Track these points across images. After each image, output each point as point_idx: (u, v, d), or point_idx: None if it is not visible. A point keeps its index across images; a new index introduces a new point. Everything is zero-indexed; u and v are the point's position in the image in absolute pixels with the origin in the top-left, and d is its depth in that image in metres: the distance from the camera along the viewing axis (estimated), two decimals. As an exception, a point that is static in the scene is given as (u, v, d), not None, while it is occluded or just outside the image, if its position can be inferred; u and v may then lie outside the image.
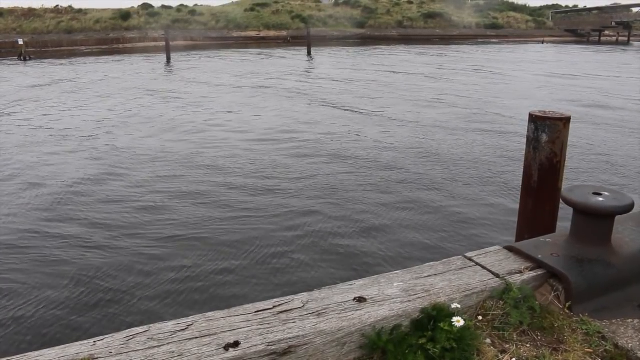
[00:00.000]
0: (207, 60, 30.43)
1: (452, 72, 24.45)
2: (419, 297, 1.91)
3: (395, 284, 2.00)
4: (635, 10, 61.54)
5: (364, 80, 21.21)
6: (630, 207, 2.34)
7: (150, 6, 49.46)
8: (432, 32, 53.26)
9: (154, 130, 11.69)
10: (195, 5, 52.67)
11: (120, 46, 41.10)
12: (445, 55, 34.64)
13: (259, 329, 1.64)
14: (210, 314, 1.72)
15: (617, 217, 2.44)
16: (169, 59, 28.85)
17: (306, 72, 24.53)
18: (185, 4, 51.88)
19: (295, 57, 32.75)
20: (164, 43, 31.04)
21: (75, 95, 17.04)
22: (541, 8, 69.47)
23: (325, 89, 18.57)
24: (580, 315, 2.09)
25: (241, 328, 1.64)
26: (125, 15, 46.00)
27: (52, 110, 14.46)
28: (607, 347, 1.91)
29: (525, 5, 68.25)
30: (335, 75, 22.63)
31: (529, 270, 2.21)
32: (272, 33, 47.74)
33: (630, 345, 1.94)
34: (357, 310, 1.79)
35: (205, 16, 48.57)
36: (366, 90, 18.18)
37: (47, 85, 19.74)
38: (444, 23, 55.80)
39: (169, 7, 50.17)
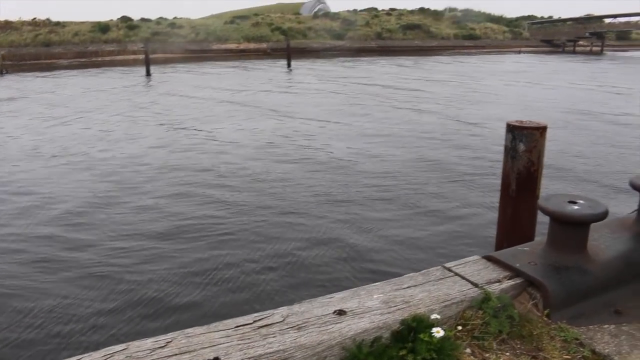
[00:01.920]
0: (186, 73, 30.34)
1: (434, 82, 24.71)
2: (398, 309, 1.91)
3: (375, 296, 2.00)
4: (607, 21, 62.96)
5: (346, 92, 21.35)
6: (605, 214, 2.39)
7: (130, 19, 49.29)
8: (411, 43, 53.86)
9: (133, 147, 11.59)
10: (175, 18, 52.71)
11: (99, 59, 40.78)
12: (425, 67, 35.01)
13: (239, 344, 1.63)
14: (189, 330, 1.70)
15: (593, 225, 2.48)
16: (148, 72, 28.69)
17: (287, 84, 24.58)
18: (164, 17, 51.95)
19: (275, 69, 32.82)
20: (143, 56, 30.87)
21: (51, 110, 16.79)
22: (517, 19, 70.76)
23: (306, 102, 18.65)
24: (558, 323, 2.11)
25: (221, 344, 1.63)
26: (104, 28, 45.74)
27: (28, 124, 14.25)
28: (585, 353, 1.94)
29: (501, 16, 69.50)
30: (316, 88, 22.75)
31: (508, 279, 2.24)
32: (252, 45, 47.83)
33: (607, 350, 1.96)
34: (337, 323, 1.79)
35: (185, 29, 48.53)
36: (348, 102, 18.28)
37: (21, 98, 19.48)
38: (423, 34, 56.49)
39: (149, 20, 50.07)
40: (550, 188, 7.49)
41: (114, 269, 5.52)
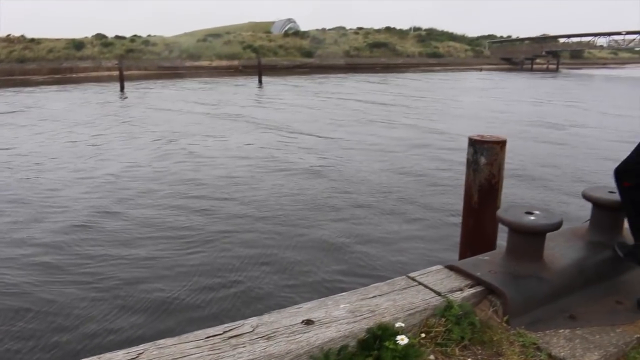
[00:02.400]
0: (159, 89, 30.25)
1: (404, 97, 25.15)
2: (364, 318, 1.97)
3: (341, 306, 2.06)
4: (562, 40, 65.43)
5: (316, 106, 21.54)
6: (559, 224, 2.51)
7: (104, 36, 48.93)
8: (378, 61, 54.80)
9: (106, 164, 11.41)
10: (149, 35, 52.58)
11: (74, 75, 40.23)
12: (394, 83, 35.60)
13: (210, 354, 1.66)
14: (160, 341, 1.72)
15: (548, 234, 2.60)
16: (122, 88, 28.50)
17: (258, 99, 24.67)
18: (138, 35, 51.62)
19: (247, 85, 32.94)
20: (117, 72, 30.67)
21: (23, 129, 16.38)
22: (478, 38, 72.97)
23: (278, 116, 18.75)
24: (517, 328, 2.20)
25: (192, 355, 1.65)
26: (78, 45, 45.21)
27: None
28: (542, 357, 2.03)
29: (463, 35, 71.56)
30: (286, 103, 22.94)
31: (469, 288, 2.32)
32: (224, 63, 47.96)
33: (562, 354, 2.06)
34: (305, 332, 1.83)
35: (159, 46, 48.46)
36: (318, 117, 18.43)
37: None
38: (389, 52, 57.58)
39: (123, 38, 49.77)
40: (510, 198, 7.76)
41: (81, 277, 5.43)
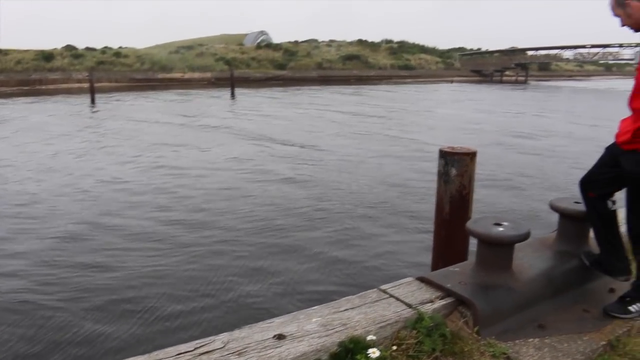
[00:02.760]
0: (130, 101, 29.92)
1: (382, 109, 25.35)
2: (336, 331, 1.97)
3: (313, 320, 2.06)
4: (530, 53, 67.10)
5: (288, 117, 21.56)
6: (527, 235, 2.56)
7: (74, 48, 48.08)
8: (350, 73, 55.25)
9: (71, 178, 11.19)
10: (120, 47, 51.80)
11: (43, 87, 39.44)
12: (368, 95, 35.90)
13: (179, 373, 1.63)
14: (131, 359, 1.69)
15: (517, 245, 2.65)
16: (93, 100, 28.10)
17: (232, 112, 24.58)
18: (109, 46, 50.94)
19: (220, 97, 32.84)
20: (88, 84, 30.24)
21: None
22: (449, 50, 74.23)
23: (252, 127, 18.75)
24: (488, 339, 2.23)
25: (161, 373, 1.63)
26: (48, 56, 44.37)
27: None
28: (512, 367, 2.06)
29: (434, 48, 72.65)
30: (261, 114, 22.92)
31: (440, 299, 2.35)
32: (196, 75, 47.73)
33: (531, 363, 2.10)
34: (276, 347, 1.82)
35: (130, 58, 47.92)
36: (291, 129, 18.44)
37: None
38: (361, 64, 58.13)
39: (93, 49, 49.04)
40: (482, 209, 7.87)
41: (42, 298, 5.29)
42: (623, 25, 2.54)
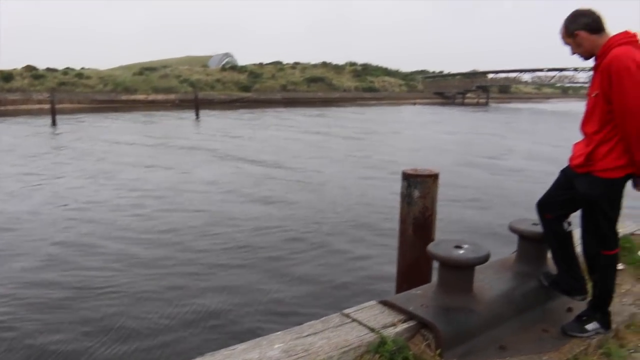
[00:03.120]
0: (93, 123, 29.32)
1: (349, 130, 25.57)
2: (299, 357, 1.95)
3: (276, 346, 2.03)
4: (490, 76, 69.16)
5: (254, 138, 21.54)
6: (487, 257, 2.60)
7: (35, 68, 46.95)
8: (315, 95, 55.71)
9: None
10: (82, 68, 50.92)
11: (2, 108, 38.33)
12: (333, 117, 36.18)
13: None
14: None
15: (478, 267, 2.68)
16: (54, 122, 27.44)
17: (198, 134, 24.38)
18: (71, 67, 50.01)
19: (184, 119, 32.58)
20: (49, 105, 29.55)
21: None
22: (412, 73, 75.80)
23: (215, 146, 18.64)
24: (450, 361, 2.24)
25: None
26: (7, 76, 43.17)
27: None
28: (474, 389, 2.06)
29: (397, 70, 74.03)
30: (225, 136, 22.82)
31: (402, 323, 2.35)
32: (160, 96, 47.26)
33: (492, 385, 2.11)
34: (237, 377, 1.79)
35: (93, 79, 47.17)
36: (258, 149, 18.40)
37: None
38: (325, 87, 58.73)
39: (55, 70, 48.06)
40: (446, 229, 7.96)
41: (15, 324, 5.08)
42: (573, 53, 2.65)
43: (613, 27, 2.57)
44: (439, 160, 15.93)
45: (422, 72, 78.24)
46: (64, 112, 34.28)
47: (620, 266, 3.66)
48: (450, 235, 8.06)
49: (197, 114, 33.38)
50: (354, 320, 2.31)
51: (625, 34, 2.50)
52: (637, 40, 2.49)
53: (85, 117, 33.13)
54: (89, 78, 47.43)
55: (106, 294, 5.98)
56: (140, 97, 46.35)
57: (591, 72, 2.66)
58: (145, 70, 52.92)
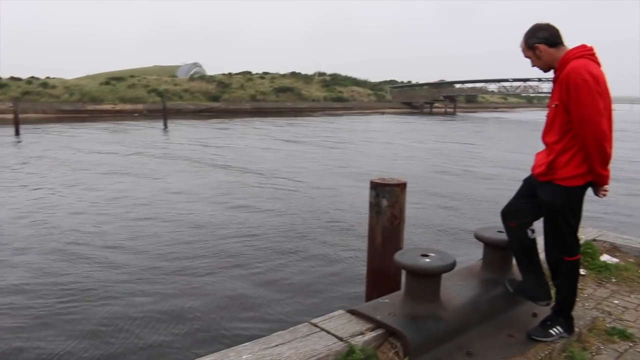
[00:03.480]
0: (58, 134, 28.67)
1: (321, 139, 25.62)
2: (267, 369, 1.94)
3: (244, 357, 2.01)
4: (457, 86, 70.47)
5: (225, 147, 21.42)
6: (453, 265, 2.63)
7: None
8: (284, 105, 55.79)
9: None
10: (47, 77, 49.76)
11: None
12: (302, 126, 36.23)
13: None
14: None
15: (445, 275, 2.71)
16: (17, 132, 26.72)
17: (165, 144, 24.10)
18: (36, 76, 48.82)
19: (152, 129, 32.18)
20: (11, 115, 28.79)
21: None
22: (380, 83, 76.67)
23: (185, 154, 18.49)
24: (418, 369, 2.26)
25: None
26: None
27: None
28: (441, 396, 2.08)
29: (366, 81, 74.79)
30: (193, 145, 22.65)
31: (370, 331, 2.36)
32: (128, 106, 46.62)
33: (459, 391, 2.14)
34: (204, 390, 1.77)
35: (58, 89, 46.23)
36: (228, 158, 18.28)
37: None
38: (294, 97, 58.90)
39: (19, 79, 46.87)
40: (414, 238, 8.06)
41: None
42: (533, 65, 2.73)
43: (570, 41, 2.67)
44: (411, 167, 16.10)
45: (391, 82, 79.21)
46: (28, 122, 33.60)
47: (582, 272, 3.77)
48: (421, 240, 8.21)
49: (165, 124, 33.00)
50: (322, 329, 2.31)
51: (582, 47, 2.59)
52: (593, 54, 2.58)
53: (50, 127, 32.45)
54: (54, 87, 46.53)
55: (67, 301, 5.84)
56: (107, 107, 45.68)
57: (551, 84, 2.74)
58: (112, 79, 52.20)
